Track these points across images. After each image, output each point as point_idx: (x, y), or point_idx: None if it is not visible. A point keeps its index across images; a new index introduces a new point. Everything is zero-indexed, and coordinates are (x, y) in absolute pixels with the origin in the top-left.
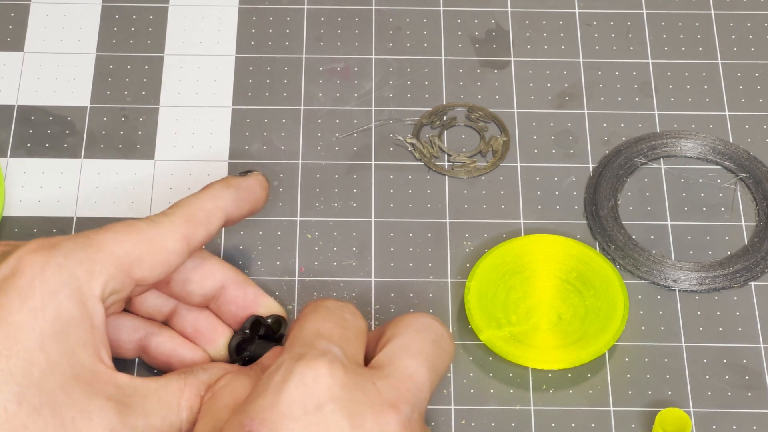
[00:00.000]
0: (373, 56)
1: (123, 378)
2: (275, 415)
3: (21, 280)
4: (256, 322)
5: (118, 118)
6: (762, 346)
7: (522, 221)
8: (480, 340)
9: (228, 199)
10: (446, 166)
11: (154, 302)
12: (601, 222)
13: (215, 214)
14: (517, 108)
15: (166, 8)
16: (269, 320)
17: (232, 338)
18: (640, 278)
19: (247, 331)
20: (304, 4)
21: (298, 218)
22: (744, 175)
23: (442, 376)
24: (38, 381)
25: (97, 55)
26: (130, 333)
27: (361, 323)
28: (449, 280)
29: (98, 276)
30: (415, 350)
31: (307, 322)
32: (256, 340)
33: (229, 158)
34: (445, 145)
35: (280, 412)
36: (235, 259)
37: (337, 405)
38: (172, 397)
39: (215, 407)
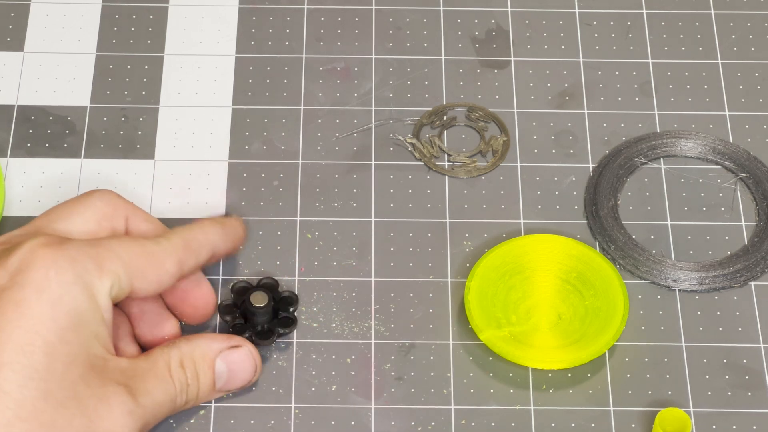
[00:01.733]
0: (373, 56)
1: (124, 362)
2: None
3: (35, 272)
4: (243, 288)
5: (118, 118)
6: (762, 346)
7: (522, 221)
8: (480, 340)
9: (216, 234)
10: (446, 166)
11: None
12: (601, 222)
13: (205, 246)
14: (517, 108)
15: (166, 8)
16: (284, 294)
17: (221, 302)
18: (640, 278)
19: (232, 294)
20: (304, 4)
21: (298, 218)
22: (744, 175)
23: None
24: (61, 374)
25: (97, 55)
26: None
27: None
28: (449, 280)
29: (108, 273)
30: None
31: None
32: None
33: (229, 158)
34: (445, 145)
35: None
36: (235, 259)
37: None
38: (164, 372)
39: None
